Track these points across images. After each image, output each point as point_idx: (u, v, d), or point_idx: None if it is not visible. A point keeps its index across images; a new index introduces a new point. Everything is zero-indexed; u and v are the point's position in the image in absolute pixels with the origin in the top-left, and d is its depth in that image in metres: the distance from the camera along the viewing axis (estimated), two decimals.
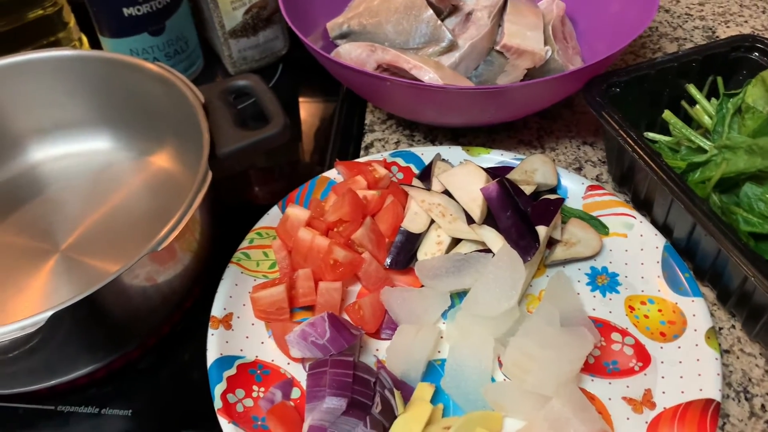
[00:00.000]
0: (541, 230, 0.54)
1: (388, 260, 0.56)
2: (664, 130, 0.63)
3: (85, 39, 0.77)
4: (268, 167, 0.67)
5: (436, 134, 0.71)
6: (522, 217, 0.54)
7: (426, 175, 0.62)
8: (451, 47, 0.66)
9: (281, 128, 0.56)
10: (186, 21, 0.73)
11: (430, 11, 0.66)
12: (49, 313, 0.42)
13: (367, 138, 0.71)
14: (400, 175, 0.64)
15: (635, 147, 0.55)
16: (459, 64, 0.66)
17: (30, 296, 0.56)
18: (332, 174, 0.64)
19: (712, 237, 0.50)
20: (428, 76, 0.60)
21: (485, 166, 0.62)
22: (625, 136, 0.56)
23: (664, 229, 0.58)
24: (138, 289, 0.48)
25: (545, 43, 0.67)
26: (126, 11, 0.67)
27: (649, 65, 0.62)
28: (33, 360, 0.46)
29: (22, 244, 0.60)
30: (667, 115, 0.62)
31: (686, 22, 0.85)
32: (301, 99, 0.79)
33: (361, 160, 0.64)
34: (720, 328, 0.54)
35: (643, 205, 0.60)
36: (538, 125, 0.71)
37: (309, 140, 0.73)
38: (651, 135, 0.63)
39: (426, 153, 0.65)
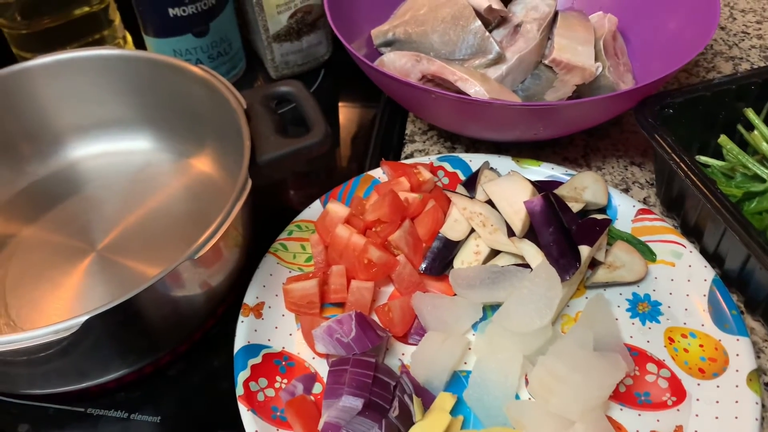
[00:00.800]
0: (584, 250, 0.54)
1: (423, 265, 0.56)
2: (717, 154, 0.62)
3: (129, 37, 0.79)
4: (305, 172, 0.67)
5: (479, 147, 0.71)
6: (565, 235, 0.54)
7: (471, 182, 0.62)
8: (499, 60, 0.65)
9: (322, 137, 0.56)
10: (230, 23, 0.74)
11: (478, 22, 0.65)
12: (84, 318, 0.43)
13: (407, 148, 0.70)
14: (446, 180, 0.65)
15: (688, 173, 0.54)
16: (506, 77, 0.65)
17: (64, 294, 0.57)
18: (377, 173, 0.64)
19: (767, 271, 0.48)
20: (474, 89, 0.59)
21: (534, 178, 0.62)
22: (677, 160, 0.55)
23: (715, 258, 0.57)
24: (172, 297, 0.49)
25: (596, 59, 0.66)
26: (171, 11, 0.68)
27: (705, 86, 0.61)
28: (65, 362, 0.47)
29: (59, 242, 0.61)
30: (723, 140, 0.60)
31: (743, 40, 0.83)
32: (341, 105, 0.79)
33: (407, 161, 0.65)
34: None
35: (692, 232, 0.59)
36: (584, 143, 0.70)
37: (347, 147, 0.74)
38: (704, 159, 0.62)
39: (474, 160, 0.65)
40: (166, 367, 0.54)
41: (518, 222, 0.55)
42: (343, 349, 0.49)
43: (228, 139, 0.58)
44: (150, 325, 0.49)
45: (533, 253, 0.54)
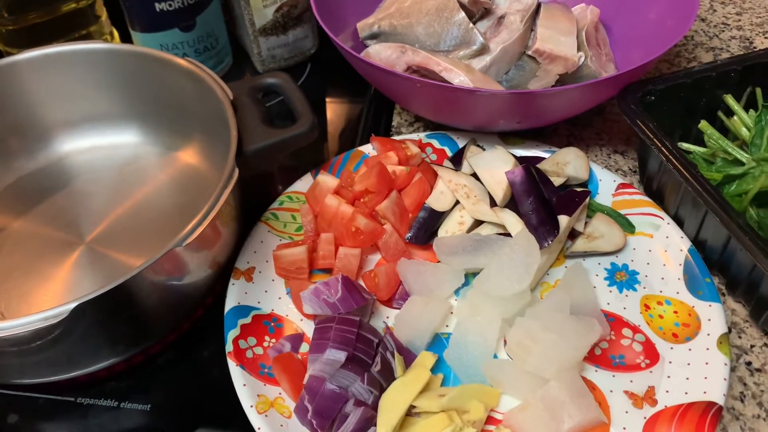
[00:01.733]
0: (563, 219, 0.57)
1: (409, 234, 0.59)
2: (699, 141, 0.64)
3: (116, 33, 0.80)
4: (293, 166, 0.67)
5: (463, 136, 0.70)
6: (544, 204, 0.57)
7: (458, 157, 0.65)
8: (483, 50, 0.67)
9: (309, 127, 0.58)
10: (216, 18, 0.77)
11: (462, 14, 0.66)
12: (73, 305, 0.44)
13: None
14: (434, 157, 0.68)
15: (670, 157, 0.56)
16: (490, 67, 0.66)
17: (53, 287, 0.58)
18: (367, 149, 0.67)
19: (747, 252, 0.50)
20: (458, 78, 0.61)
21: (518, 154, 0.65)
22: (659, 145, 0.57)
23: (696, 243, 0.59)
24: (161, 285, 0.50)
25: (578, 49, 0.68)
26: (158, 6, 0.70)
27: (685, 74, 0.63)
28: (54, 351, 0.48)
29: (48, 235, 0.62)
30: (704, 125, 0.62)
31: (723, 31, 0.85)
32: (328, 99, 0.82)
33: (396, 137, 0.68)
34: (752, 346, 0.55)
35: (674, 217, 0.61)
36: (568, 132, 0.72)
37: (335, 140, 0.76)
38: (685, 145, 0.63)
39: (461, 138, 0.68)
40: (155, 356, 0.56)
41: (500, 192, 0.58)
42: (329, 309, 0.52)
43: (215, 132, 0.59)
44: (139, 314, 0.51)
45: (513, 222, 0.57)
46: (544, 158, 0.65)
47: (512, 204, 0.58)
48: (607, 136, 0.72)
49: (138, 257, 0.59)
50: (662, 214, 0.60)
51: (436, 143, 0.68)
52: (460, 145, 0.67)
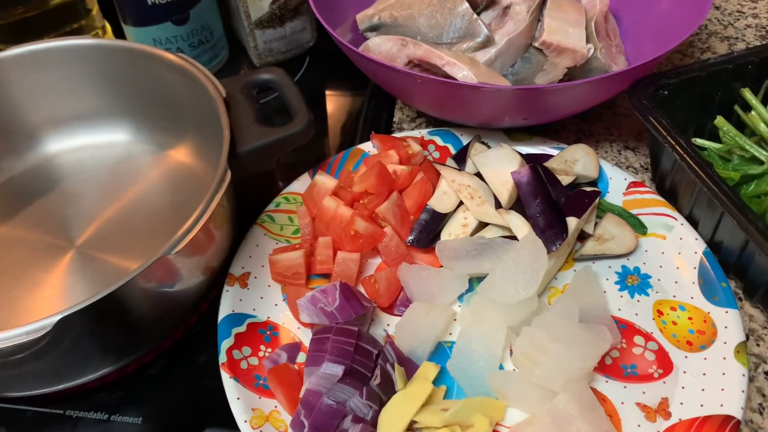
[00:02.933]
0: (572, 222, 0.55)
1: (411, 237, 0.58)
2: (714, 136, 0.63)
3: (108, 27, 0.79)
4: (293, 162, 0.65)
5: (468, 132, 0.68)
6: (552, 206, 0.55)
7: (462, 156, 0.63)
8: (487, 43, 0.65)
9: (305, 126, 0.56)
10: (211, 10, 0.76)
11: (466, 4, 0.64)
12: (56, 318, 0.43)
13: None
14: (436, 154, 0.66)
15: (684, 156, 0.54)
16: (495, 60, 0.64)
17: (44, 293, 0.57)
18: (366, 147, 0.66)
19: (767, 256, 0.47)
20: (462, 73, 0.59)
21: (525, 152, 0.64)
22: (673, 143, 0.55)
23: (712, 245, 0.57)
24: (151, 293, 0.48)
25: (587, 41, 0.65)
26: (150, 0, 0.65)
27: (700, 67, 0.61)
28: (40, 364, 0.46)
29: (37, 239, 0.61)
30: (720, 121, 0.59)
31: (738, 20, 0.82)
32: (327, 93, 0.80)
33: (397, 135, 0.66)
34: None
35: (688, 218, 0.59)
36: (576, 127, 0.70)
37: (335, 135, 0.74)
38: (699, 141, 0.61)
39: (465, 134, 0.67)
40: (149, 365, 0.55)
41: (505, 193, 0.56)
42: (326, 318, 0.51)
43: (208, 130, 0.57)
44: (129, 322, 0.49)
45: (520, 225, 0.55)
46: (551, 156, 0.63)
47: (518, 205, 0.56)
48: (618, 131, 0.70)
49: (131, 260, 0.58)
50: (675, 214, 0.58)
51: (438, 140, 0.66)
52: (464, 142, 0.66)
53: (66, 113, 0.66)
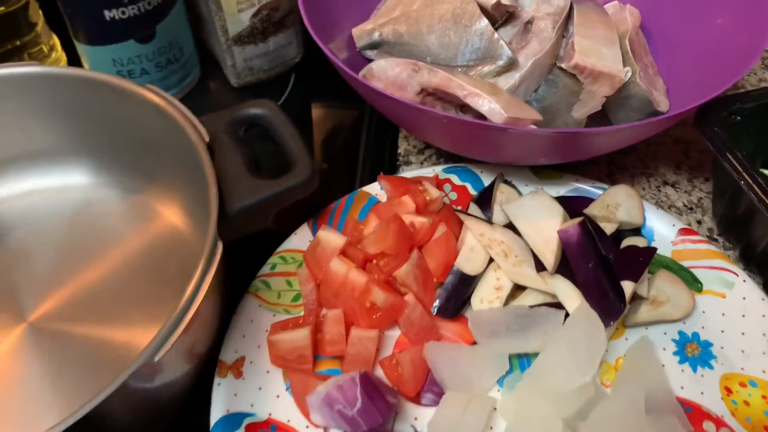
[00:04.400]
0: (627, 287, 0.48)
1: (436, 306, 0.49)
2: None
3: (58, 44, 0.67)
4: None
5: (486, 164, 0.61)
6: (606, 270, 0.47)
7: (485, 199, 0.55)
8: (510, 66, 0.55)
9: (308, 176, 0.48)
10: (180, 25, 0.66)
11: (485, 21, 0.56)
12: None
13: (403, 172, 0.60)
14: (453, 195, 0.57)
15: (761, 195, 0.47)
16: (519, 86, 0.55)
17: None
18: (373, 189, 0.57)
19: None
20: (488, 106, 0.50)
21: (557, 193, 0.56)
22: (749, 179, 0.48)
23: None
24: (123, 401, 0.37)
25: (623, 62, 0.56)
26: (108, 14, 0.59)
27: None
28: None
29: None
30: None
31: None
32: (317, 114, 0.70)
33: (408, 174, 0.57)
34: None
35: (763, 265, 0.52)
36: (608, 159, 0.63)
37: (331, 170, 0.64)
38: None
39: (485, 171, 0.58)
40: None
41: (549, 255, 0.48)
42: (347, 425, 0.42)
43: (185, 171, 0.49)
44: None
45: (569, 293, 0.48)
46: (588, 199, 0.55)
47: (563, 266, 0.48)
48: (654, 163, 0.63)
49: (99, 337, 0.48)
50: (735, 268, 0.51)
51: (455, 179, 0.58)
52: (485, 181, 0.58)
53: (12, 151, 0.56)
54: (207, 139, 0.47)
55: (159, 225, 0.55)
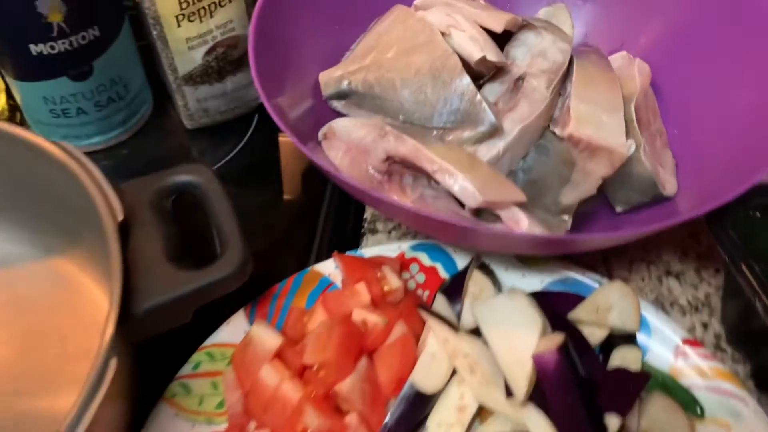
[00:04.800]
0: (613, 422, 0.40)
1: (385, 428, 0.41)
2: None
3: None
4: None
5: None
6: (586, 404, 0.40)
7: (455, 290, 0.47)
8: (494, 133, 0.46)
9: (237, 267, 0.40)
10: (125, 59, 0.58)
11: (467, 79, 0.48)
12: None
13: (367, 241, 0.52)
14: (421, 278, 0.50)
15: None
16: (503, 155, 0.47)
17: None
18: (327, 269, 0.49)
19: None
20: (459, 185, 0.42)
21: (542, 284, 0.49)
22: (765, 300, 0.40)
23: None
24: None
25: (626, 133, 0.48)
26: (34, 49, 0.51)
27: None
28: None
29: None
30: None
31: None
32: (282, 164, 0.62)
33: (369, 252, 0.50)
34: None
35: None
36: None
37: (288, 232, 0.56)
38: None
39: (460, 252, 0.51)
40: None
41: (522, 380, 0.40)
42: None
43: (103, 240, 0.41)
44: None
45: (543, 426, 0.39)
46: (575, 296, 0.47)
47: (536, 392, 0.40)
48: (656, 249, 0.54)
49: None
50: (744, 394, 0.43)
51: (425, 258, 0.50)
52: (458, 263, 0.50)
53: None
54: (120, 217, 0.40)
55: (79, 288, 0.48)
